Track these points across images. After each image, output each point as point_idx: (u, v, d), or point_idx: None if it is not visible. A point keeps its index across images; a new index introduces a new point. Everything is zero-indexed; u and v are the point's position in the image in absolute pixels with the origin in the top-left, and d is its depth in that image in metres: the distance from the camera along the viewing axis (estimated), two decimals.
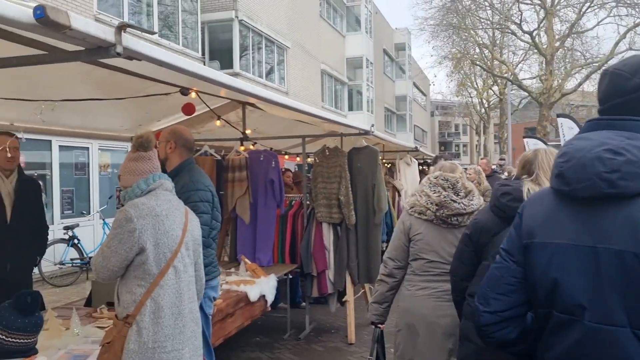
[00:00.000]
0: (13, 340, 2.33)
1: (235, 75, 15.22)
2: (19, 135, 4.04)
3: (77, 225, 9.84)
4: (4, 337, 2.31)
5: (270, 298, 5.07)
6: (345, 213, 5.81)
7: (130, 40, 1.92)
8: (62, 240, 9.51)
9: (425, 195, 3.10)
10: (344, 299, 5.92)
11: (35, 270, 8.89)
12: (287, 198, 6.48)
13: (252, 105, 5.91)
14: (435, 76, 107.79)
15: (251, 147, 6.62)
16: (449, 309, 2.87)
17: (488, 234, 2.47)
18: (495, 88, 32.31)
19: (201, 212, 3.19)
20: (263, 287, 4.97)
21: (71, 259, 9.59)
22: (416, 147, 9.61)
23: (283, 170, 9.09)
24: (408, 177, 9.78)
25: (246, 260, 5.36)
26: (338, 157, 5.93)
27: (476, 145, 49.67)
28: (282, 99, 4.92)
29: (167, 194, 2.71)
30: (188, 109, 4.97)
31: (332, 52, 25.09)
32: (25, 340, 2.36)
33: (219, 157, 6.37)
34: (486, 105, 37.20)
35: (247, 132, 6.05)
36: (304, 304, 6.57)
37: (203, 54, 15.82)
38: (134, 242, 2.50)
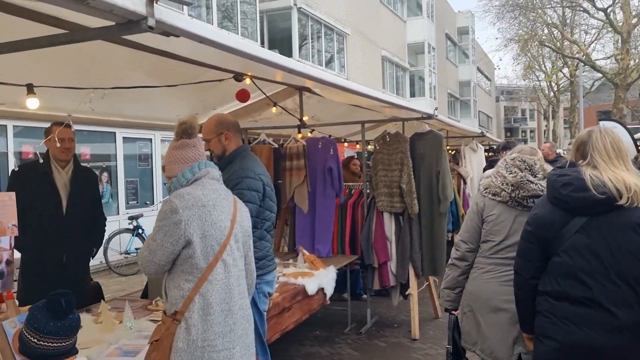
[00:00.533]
0: (45, 344, 2.22)
1: None
2: (72, 125, 3.98)
3: (141, 215, 9.99)
4: (35, 340, 2.19)
5: (329, 291, 4.87)
6: (408, 202, 5.51)
7: (165, 13, 1.73)
8: (127, 230, 9.69)
9: (500, 176, 2.99)
10: (407, 292, 5.64)
11: (103, 259, 9.12)
12: (347, 186, 6.25)
13: (309, 91, 5.71)
14: (501, 60, 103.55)
15: (309, 134, 6.42)
16: None
17: (552, 229, 2.34)
18: (566, 70, 30.78)
19: (246, 200, 3.00)
20: (322, 279, 4.77)
21: (136, 249, 9.75)
22: (482, 133, 9.15)
23: (353, 156, 8.86)
24: (474, 164, 9.33)
25: (304, 251, 5.17)
26: (399, 143, 5.63)
27: (544, 131, 47.62)
28: (339, 80, 4.68)
29: (214, 183, 2.53)
30: (242, 95, 4.81)
31: (392, 38, 24.56)
32: (58, 344, 2.24)
33: (276, 145, 6.20)
34: (555, 89, 35.52)
35: (305, 118, 5.85)
36: (365, 296, 6.34)
37: (262, 43, 15.76)
38: (180, 234, 2.34)
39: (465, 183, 9.15)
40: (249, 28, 14.80)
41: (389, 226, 5.67)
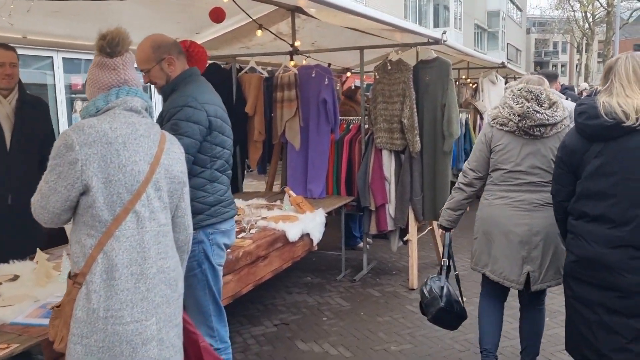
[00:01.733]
0: None
1: None
2: None
3: None
4: None
5: (316, 236, 4.39)
6: (409, 138, 4.92)
7: None
8: None
9: (507, 107, 3.09)
10: (405, 238, 5.15)
11: None
12: (345, 120, 5.66)
13: (304, 12, 5.06)
14: None
15: (304, 62, 5.79)
16: (526, 218, 3.04)
17: (576, 155, 2.49)
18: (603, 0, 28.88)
19: (182, 133, 2.46)
20: (307, 224, 4.29)
21: None
22: (502, 63, 8.35)
23: (353, 87, 8.20)
24: (492, 98, 8.62)
25: (290, 192, 4.66)
26: (401, 72, 4.98)
27: (576, 65, 45.55)
28: None
29: (130, 115, 1.99)
30: (216, 14, 4.19)
31: None
32: None
33: (266, 74, 5.61)
34: (590, 20, 33.57)
35: (297, 44, 5.22)
36: (360, 244, 5.90)
37: None
38: (75, 177, 1.83)
39: (482, 118, 8.48)
40: None
41: (388, 165, 5.12)
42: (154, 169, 1.98)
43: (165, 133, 2.14)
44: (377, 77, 5.14)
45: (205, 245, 2.68)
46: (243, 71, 5.69)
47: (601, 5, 30.25)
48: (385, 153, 5.11)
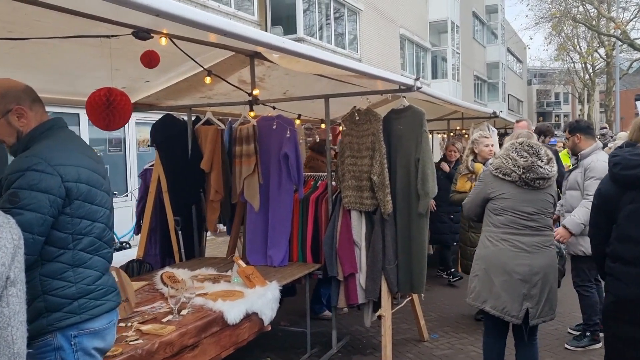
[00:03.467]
0: None
1: (299, 40, 13.84)
2: None
3: None
4: None
5: (268, 315, 3.72)
6: (380, 198, 4.31)
7: None
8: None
9: (511, 159, 3.40)
10: (377, 313, 4.46)
11: None
12: (312, 177, 5.06)
13: (266, 59, 4.54)
14: (531, 39, 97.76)
15: (272, 113, 5.23)
16: (527, 259, 3.35)
17: (611, 201, 2.71)
18: (602, 51, 28.78)
19: (21, 206, 1.85)
20: (254, 301, 3.62)
21: None
22: (494, 113, 7.80)
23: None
24: None
25: (239, 262, 4.01)
26: (370, 122, 4.41)
27: (579, 115, 45.28)
28: (290, 43, 3.51)
29: None
30: (148, 58, 3.65)
31: (412, 15, 23.03)
32: None
33: (223, 126, 5.05)
34: (591, 71, 33.41)
35: (255, 92, 4.69)
36: (327, 312, 5.21)
37: (266, 21, 14.56)
38: None
39: None
40: (244, 3, 13.62)
41: (358, 228, 4.48)
42: None
43: None
44: (344, 129, 4.57)
45: (66, 354, 2.00)
46: (200, 123, 5.14)
47: (600, 57, 30.12)
48: (354, 214, 4.49)
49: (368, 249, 4.44)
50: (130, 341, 2.76)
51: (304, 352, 4.68)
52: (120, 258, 6.10)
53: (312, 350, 4.72)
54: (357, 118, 4.49)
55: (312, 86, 5.22)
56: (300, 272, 4.45)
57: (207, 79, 4.34)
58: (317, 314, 5.49)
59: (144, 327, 3.01)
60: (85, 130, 8.65)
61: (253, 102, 4.79)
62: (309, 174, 5.03)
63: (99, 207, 2.12)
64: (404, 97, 4.38)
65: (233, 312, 3.40)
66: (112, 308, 2.18)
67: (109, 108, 3.25)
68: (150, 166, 5.62)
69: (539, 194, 3.39)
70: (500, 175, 3.42)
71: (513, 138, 3.78)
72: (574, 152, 4.73)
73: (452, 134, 11.22)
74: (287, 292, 4.57)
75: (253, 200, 4.75)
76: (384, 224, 4.36)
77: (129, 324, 3.05)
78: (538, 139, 6.19)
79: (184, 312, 3.33)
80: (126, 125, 9.58)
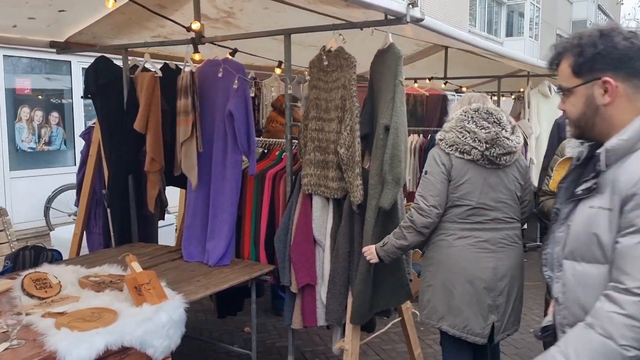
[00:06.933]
0: None
1: None
2: None
3: None
4: None
5: (158, 347, 2.53)
6: (349, 180, 2.97)
7: None
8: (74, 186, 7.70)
9: (468, 132, 2.69)
10: (337, 346, 3.16)
11: (43, 221, 7.29)
12: (278, 146, 3.76)
13: None
14: None
15: (228, 56, 3.90)
16: (491, 260, 2.69)
17: None
18: None
19: None
20: (129, 330, 2.42)
21: None
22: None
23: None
24: (542, 117, 6.40)
25: (133, 265, 2.80)
26: (342, 69, 3.03)
27: None
28: None
29: None
30: None
31: None
32: None
33: (160, 73, 3.78)
34: None
35: (194, 26, 3.40)
36: None
37: None
38: None
39: (526, 144, 6.27)
40: None
41: (320, 222, 3.16)
42: None
43: None
44: (310, 78, 3.21)
45: None
46: (139, 69, 3.91)
47: None
48: (317, 201, 3.16)
49: (333, 250, 3.13)
50: None
51: None
52: (64, 235, 5.11)
53: None
54: (326, 63, 3.11)
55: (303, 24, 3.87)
56: (240, 276, 3.21)
57: (110, 2, 3.09)
58: (279, 312, 4.27)
59: None
60: None
61: (197, 40, 3.53)
62: (271, 140, 3.72)
63: None
64: (404, 37, 2.94)
65: (75, 352, 2.21)
66: None
67: None
68: (94, 124, 4.50)
69: (504, 174, 2.72)
70: (457, 154, 2.68)
71: (464, 103, 2.89)
72: None
73: (512, 97, 9.62)
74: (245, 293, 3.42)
75: (190, 174, 3.51)
76: (353, 217, 3.02)
77: None
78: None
79: (4, 344, 2.20)
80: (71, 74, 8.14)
